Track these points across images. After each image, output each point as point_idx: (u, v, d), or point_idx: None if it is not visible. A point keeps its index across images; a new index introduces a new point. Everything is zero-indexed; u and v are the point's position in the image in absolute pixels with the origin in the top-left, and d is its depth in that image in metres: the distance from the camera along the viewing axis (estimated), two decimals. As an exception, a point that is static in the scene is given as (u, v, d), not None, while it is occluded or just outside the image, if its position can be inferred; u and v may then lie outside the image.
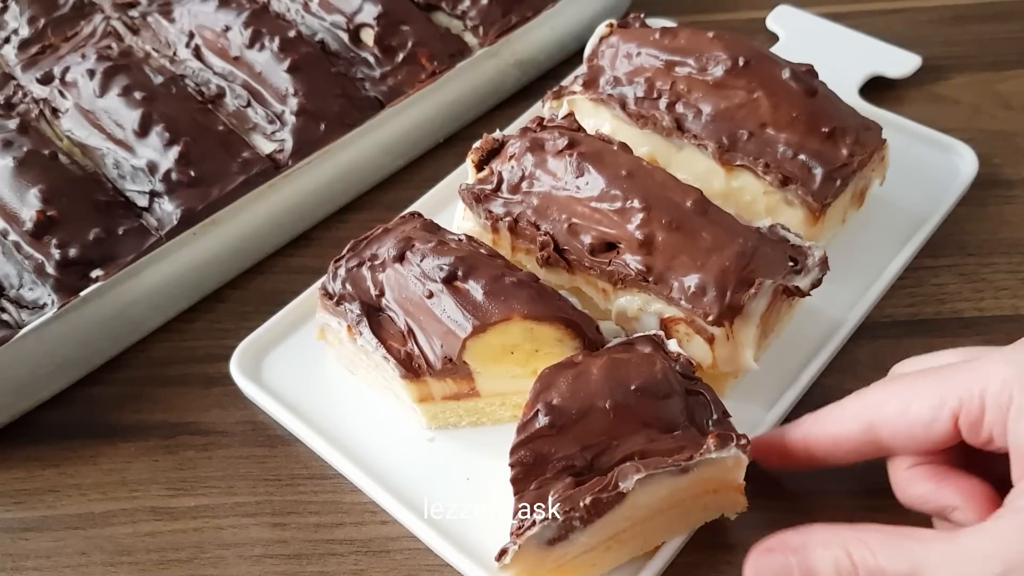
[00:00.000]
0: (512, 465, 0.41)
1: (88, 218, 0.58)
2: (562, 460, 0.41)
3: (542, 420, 0.41)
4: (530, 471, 0.41)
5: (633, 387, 0.42)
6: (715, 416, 0.43)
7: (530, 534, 0.39)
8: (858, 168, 0.55)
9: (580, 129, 0.55)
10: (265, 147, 0.64)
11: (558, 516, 0.39)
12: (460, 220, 0.57)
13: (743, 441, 0.41)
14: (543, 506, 0.39)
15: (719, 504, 0.45)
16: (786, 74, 0.56)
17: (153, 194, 0.60)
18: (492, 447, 0.51)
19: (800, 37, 0.75)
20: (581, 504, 0.39)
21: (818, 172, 0.54)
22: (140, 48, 0.72)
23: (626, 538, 0.43)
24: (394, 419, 0.53)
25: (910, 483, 0.42)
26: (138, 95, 0.63)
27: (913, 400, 0.41)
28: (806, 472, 0.46)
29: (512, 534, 0.40)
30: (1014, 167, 0.65)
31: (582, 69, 0.64)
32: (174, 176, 0.60)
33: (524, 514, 0.40)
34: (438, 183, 0.64)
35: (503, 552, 0.40)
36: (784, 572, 0.39)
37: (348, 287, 0.51)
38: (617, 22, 0.63)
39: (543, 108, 0.64)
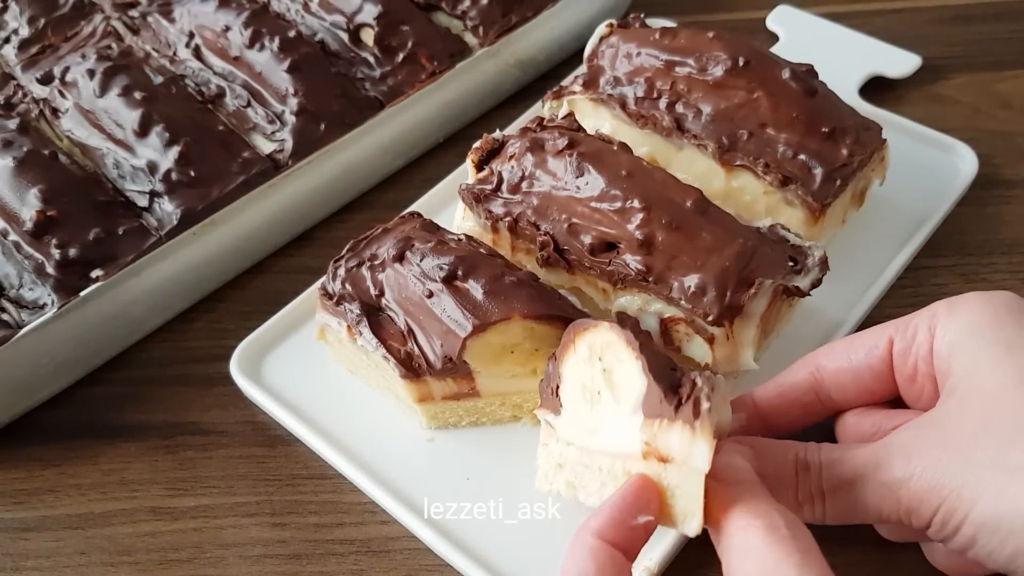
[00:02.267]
0: (643, 346, 0.39)
1: (88, 218, 0.58)
2: (662, 356, 0.40)
3: (628, 322, 0.41)
4: (656, 362, 0.39)
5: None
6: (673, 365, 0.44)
7: (700, 387, 0.37)
8: (858, 168, 0.55)
9: (580, 129, 0.55)
10: (265, 147, 0.64)
11: (709, 379, 0.38)
12: (460, 220, 0.57)
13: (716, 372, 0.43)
14: (692, 373, 0.38)
15: None
16: (786, 74, 0.57)
17: (153, 194, 0.60)
18: (492, 447, 0.51)
19: (800, 37, 0.75)
20: (707, 376, 0.39)
21: (818, 172, 0.54)
22: (140, 48, 0.72)
23: None
24: (394, 419, 0.53)
25: (860, 421, 0.44)
26: (138, 95, 0.63)
27: (858, 337, 0.44)
28: None
29: (687, 399, 0.37)
30: (1014, 167, 0.65)
31: (582, 69, 0.64)
32: (174, 176, 0.60)
33: (677, 388, 0.38)
34: (438, 183, 0.64)
35: (697, 407, 0.37)
36: (746, 458, 0.41)
37: (348, 287, 0.51)
38: (617, 22, 0.63)
39: (543, 108, 0.64)
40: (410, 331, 0.49)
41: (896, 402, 0.44)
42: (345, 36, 0.70)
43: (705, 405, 0.37)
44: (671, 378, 0.39)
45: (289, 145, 0.63)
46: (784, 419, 0.46)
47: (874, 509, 0.39)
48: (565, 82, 0.64)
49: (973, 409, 0.37)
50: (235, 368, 0.55)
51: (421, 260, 0.49)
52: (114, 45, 0.71)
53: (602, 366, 0.41)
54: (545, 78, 0.76)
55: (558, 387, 0.44)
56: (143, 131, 0.61)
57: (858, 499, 0.39)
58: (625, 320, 0.42)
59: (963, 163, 0.63)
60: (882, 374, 0.43)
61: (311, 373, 0.55)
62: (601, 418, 0.41)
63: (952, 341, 0.40)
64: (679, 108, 0.57)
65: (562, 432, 0.44)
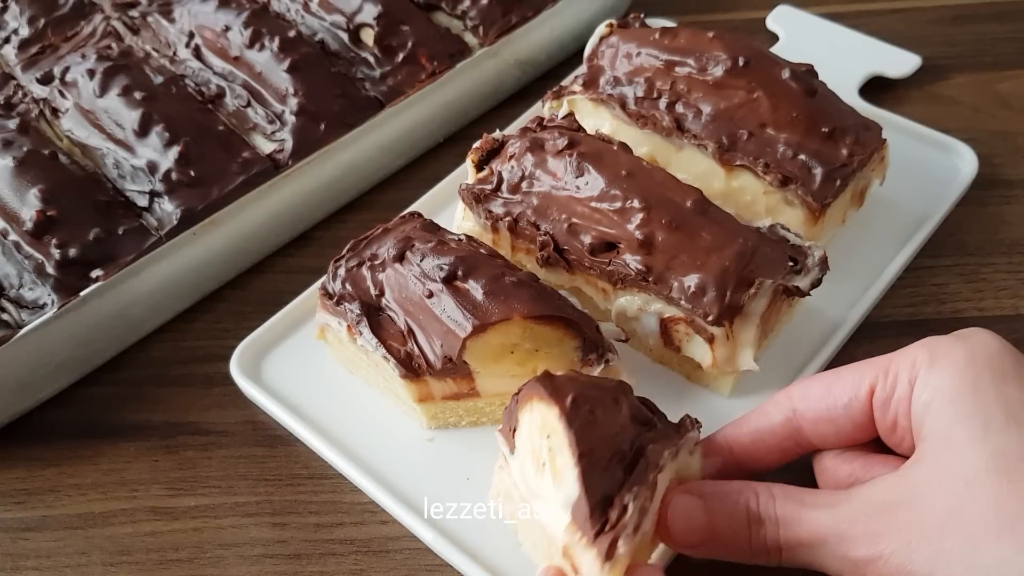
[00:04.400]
0: (579, 459, 0.38)
1: (88, 218, 0.58)
2: (609, 448, 0.39)
3: (584, 408, 0.39)
4: (592, 462, 0.38)
5: (611, 387, 0.42)
6: (657, 413, 0.44)
7: (628, 519, 0.37)
8: (858, 168, 0.55)
9: (580, 129, 0.55)
10: (265, 147, 0.64)
11: (642, 498, 0.38)
12: (460, 220, 0.57)
13: (699, 425, 0.43)
14: (627, 489, 0.38)
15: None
16: (786, 74, 0.57)
17: (153, 194, 0.60)
18: (492, 447, 0.50)
19: (800, 37, 0.75)
20: (649, 481, 0.38)
21: (818, 172, 0.54)
22: (140, 48, 0.72)
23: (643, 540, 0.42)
24: (394, 419, 0.53)
25: (838, 466, 0.43)
26: (138, 95, 0.63)
27: (835, 382, 0.42)
28: None
29: (610, 530, 0.37)
30: (1014, 167, 0.65)
31: (582, 69, 0.64)
32: (174, 176, 0.60)
33: (606, 509, 0.38)
34: (438, 183, 0.64)
35: (612, 547, 0.37)
36: (696, 511, 0.40)
37: (348, 287, 0.51)
38: (617, 22, 0.63)
39: (543, 108, 0.64)
40: (410, 331, 0.49)
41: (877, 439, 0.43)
42: (345, 36, 0.70)
43: (621, 549, 0.36)
44: (609, 484, 0.38)
45: (289, 145, 0.63)
46: (761, 463, 0.44)
47: (835, 574, 0.39)
48: (565, 82, 0.64)
49: (944, 493, 0.36)
50: (235, 368, 0.55)
51: (421, 260, 0.49)
52: (114, 45, 0.71)
53: (549, 444, 0.40)
54: (545, 78, 0.76)
55: (515, 430, 0.43)
56: (143, 131, 0.61)
57: (818, 561, 0.39)
58: (579, 406, 0.39)
59: (963, 163, 0.63)
60: (863, 424, 0.42)
61: (311, 373, 0.55)
62: (541, 490, 0.40)
63: (928, 402, 0.39)
64: (679, 108, 0.57)
65: (513, 471, 0.43)
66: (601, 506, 0.37)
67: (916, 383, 0.39)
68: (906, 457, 0.41)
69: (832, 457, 0.43)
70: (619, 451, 0.39)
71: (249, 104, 0.66)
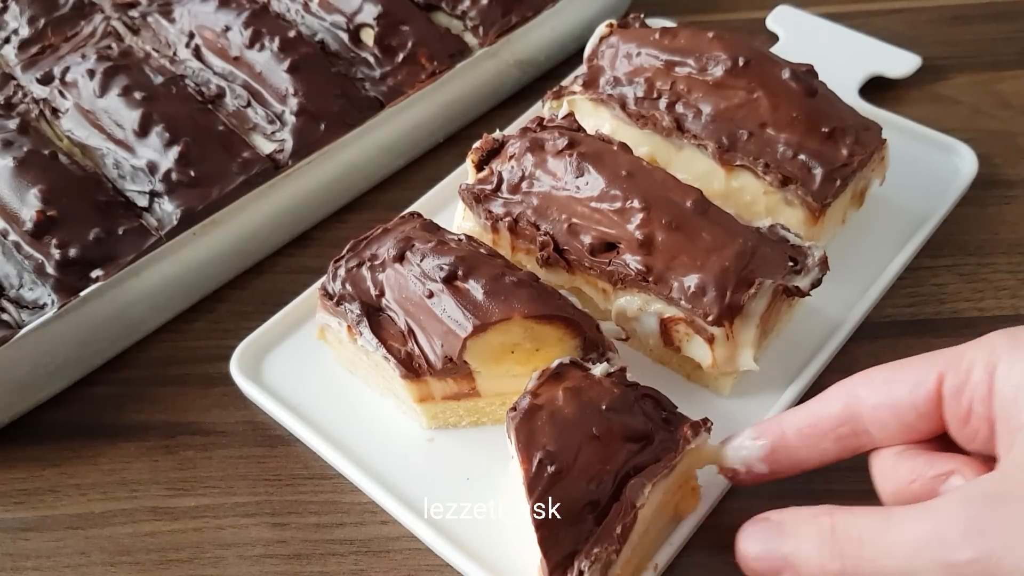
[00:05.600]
0: (538, 527, 0.39)
1: (88, 218, 0.58)
2: (579, 502, 0.40)
3: (550, 469, 0.40)
4: (555, 524, 0.39)
5: (604, 408, 0.42)
6: (666, 413, 0.44)
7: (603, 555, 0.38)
8: (858, 168, 0.55)
9: (580, 129, 0.55)
10: (265, 147, 0.64)
11: (603, 558, 0.38)
12: (460, 220, 0.57)
13: (709, 424, 0.43)
14: (585, 555, 0.38)
15: (681, 506, 0.46)
16: (786, 74, 0.57)
17: (153, 194, 0.60)
18: (492, 447, 0.51)
19: (800, 37, 0.75)
20: (615, 535, 0.39)
21: (818, 172, 0.54)
22: (140, 48, 0.72)
23: (633, 558, 0.43)
24: (394, 419, 0.53)
25: (899, 464, 0.40)
26: (138, 95, 0.63)
27: (902, 368, 0.40)
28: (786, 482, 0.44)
29: None
30: (1014, 167, 0.65)
31: (582, 69, 0.64)
32: (174, 176, 0.60)
33: (566, 570, 0.38)
34: (438, 183, 0.65)
35: None
36: (771, 538, 0.39)
37: (348, 287, 0.51)
38: (617, 22, 0.63)
39: (543, 108, 0.64)
40: (410, 331, 0.49)
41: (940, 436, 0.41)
42: (345, 36, 0.70)
43: None
44: (574, 539, 0.39)
45: (289, 145, 0.63)
46: (814, 452, 0.42)
47: None
48: (565, 82, 0.64)
49: None
50: (235, 368, 0.55)
51: (421, 260, 0.49)
52: (114, 45, 0.71)
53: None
54: (545, 78, 0.76)
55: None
56: (143, 131, 0.61)
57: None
58: (544, 468, 0.40)
59: (963, 163, 0.63)
60: (928, 413, 0.39)
61: (311, 373, 0.55)
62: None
63: (1018, 384, 0.36)
64: (679, 108, 0.57)
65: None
66: (561, 566, 0.39)
67: (998, 368, 0.37)
68: (977, 454, 0.39)
69: (892, 456, 0.40)
70: (591, 501, 0.40)
71: (249, 104, 0.66)
